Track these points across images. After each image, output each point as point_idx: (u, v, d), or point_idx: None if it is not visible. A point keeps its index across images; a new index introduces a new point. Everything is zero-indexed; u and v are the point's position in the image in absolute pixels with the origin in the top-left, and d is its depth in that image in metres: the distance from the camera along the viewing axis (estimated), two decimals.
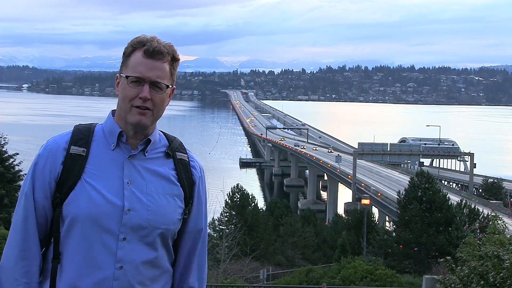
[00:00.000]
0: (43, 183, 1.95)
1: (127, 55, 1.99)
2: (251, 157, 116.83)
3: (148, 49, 1.94)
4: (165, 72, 1.97)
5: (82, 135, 1.99)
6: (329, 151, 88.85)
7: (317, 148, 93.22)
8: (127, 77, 1.94)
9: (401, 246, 27.70)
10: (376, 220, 41.43)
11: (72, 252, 1.90)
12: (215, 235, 26.59)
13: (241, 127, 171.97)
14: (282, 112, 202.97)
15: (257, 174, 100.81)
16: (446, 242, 25.85)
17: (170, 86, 2.00)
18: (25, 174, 2.50)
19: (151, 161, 2.00)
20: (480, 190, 56.38)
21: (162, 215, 1.96)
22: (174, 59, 2.01)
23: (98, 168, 1.94)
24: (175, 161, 2.05)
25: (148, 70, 1.94)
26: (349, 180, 62.39)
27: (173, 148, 2.07)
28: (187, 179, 2.05)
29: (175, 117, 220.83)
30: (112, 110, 2.05)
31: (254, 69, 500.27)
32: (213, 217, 31.14)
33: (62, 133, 2.02)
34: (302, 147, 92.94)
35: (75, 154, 1.95)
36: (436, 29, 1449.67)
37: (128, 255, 1.90)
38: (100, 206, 1.89)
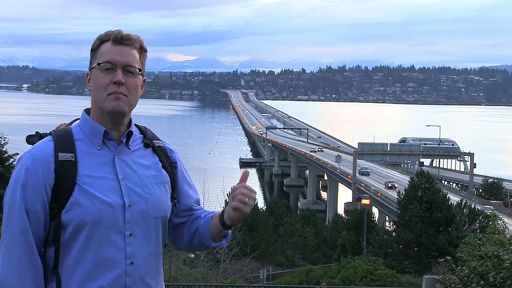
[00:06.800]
0: (34, 193, 1.89)
1: (95, 48, 2.01)
2: (251, 157, 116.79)
3: (116, 36, 1.97)
4: (135, 58, 1.99)
5: (65, 140, 1.96)
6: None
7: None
8: (98, 64, 1.96)
9: (401, 246, 27.71)
10: (376, 220, 41.40)
11: (80, 257, 1.88)
12: None
13: (241, 127, 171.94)
14: (274, 108, 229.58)
15: (257, 174, 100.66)
16: (446, 242, 25.86)
17: (142, 73, 2.01)
18: None
19: (136, 153, 2.03)
20: (480, 190, 56.40)
21: (160, 204, 2.00)
22: (142, 49, 2.03)
23: (91, 170, 1.93)
24: (154, 149, 2.08)
25: (119, 55, 1.96)
26: (349, 180, 62.38)
27: (149, 137, 2.10)
28: (169, 164, 2.10)
29: (175, 117, 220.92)
30: (85, 109, 2.05)
31: (254, 69, 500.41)
32: None
33: (41, 141, 1.96)
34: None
35: (65, 161, 1.91)
36: (437, 29, 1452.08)
37: (137, 250, 1.92)
38: (102, 206, 1.89)
